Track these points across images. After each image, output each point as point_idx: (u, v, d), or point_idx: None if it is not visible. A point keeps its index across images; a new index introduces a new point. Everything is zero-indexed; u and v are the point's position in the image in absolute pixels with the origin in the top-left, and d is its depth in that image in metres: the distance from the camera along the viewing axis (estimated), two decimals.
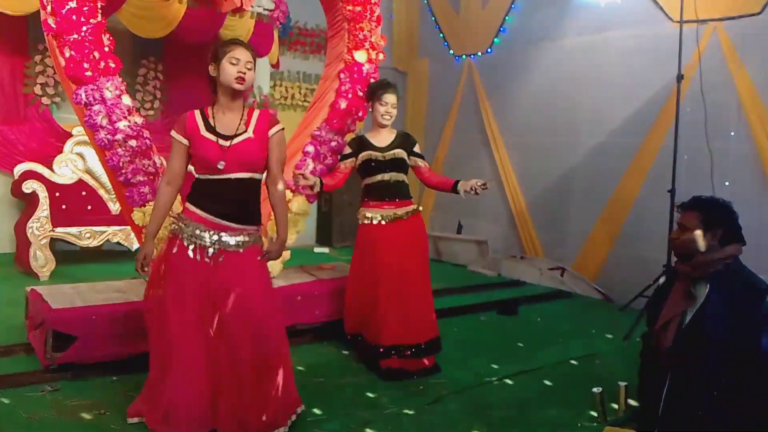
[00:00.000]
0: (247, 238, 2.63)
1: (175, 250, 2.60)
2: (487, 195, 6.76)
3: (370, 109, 3.69)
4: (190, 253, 2.56)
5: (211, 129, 2.60)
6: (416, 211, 3.73)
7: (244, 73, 2.57)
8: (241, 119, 2.64)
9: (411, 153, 3.72)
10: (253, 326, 2.58)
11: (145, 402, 2.66)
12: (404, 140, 3.72)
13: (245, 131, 2.62)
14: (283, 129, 2.70)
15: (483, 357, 3.79)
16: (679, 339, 2.51)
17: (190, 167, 2.71)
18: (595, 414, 2.93)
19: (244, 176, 2.60)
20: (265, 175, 2.72)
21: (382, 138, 3.68)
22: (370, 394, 3.13)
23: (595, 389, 2.93)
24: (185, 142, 2.61)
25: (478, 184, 3.53)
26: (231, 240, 2.60)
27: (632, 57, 5.50)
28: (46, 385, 2.99)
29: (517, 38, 6.62)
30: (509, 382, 3.41)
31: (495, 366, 3.62)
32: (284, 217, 2.76)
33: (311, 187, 3.47)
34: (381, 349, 3.42)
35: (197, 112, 2.64)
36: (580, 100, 5.95)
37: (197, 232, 2.57)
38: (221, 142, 2.57)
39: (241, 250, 2.61)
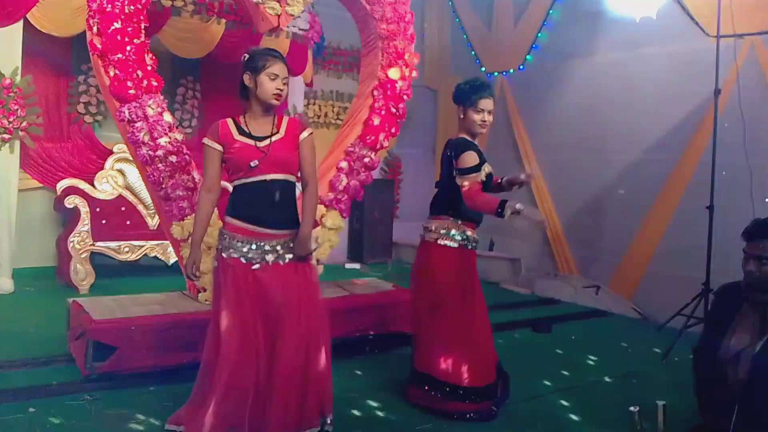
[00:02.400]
0: (285, 248, 2.64)
1: (221, 265, 2.64)
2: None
3: (461, 115, 3.21)
4: (235, 267, 2.60)
5: (244, 133, 2.63)
6: None
7: (282, 89, 2.62)
8: (273, 124, 2.67)
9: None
10: (297, 333, 2.59)
11: (187, 413, 2.67)
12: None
13: (277, 132, 2.65)
14: (312, 133, 2.73)
15: (517, 375, 3.72)
16: (752, 371, 2.39)
17: (225, 183, 2.74)
18: None
19: (280, 177, 2.62)
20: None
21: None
22: (396, 415, 3.10)
23: (632, 408, 2.87)
24: (219, 147, 2.62)
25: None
26: (271, 249, 2.61)
27: (667, 73, 5.45)
28: (86, 395, 3.06)
29: (550, 55, 6.62)
30: (545, 399, 3.36)
31: (530, 384, 3.57)
32: (310, 213, 2.71)
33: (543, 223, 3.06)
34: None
35: (229, 120, 2.67)
36: (613, 116, 5.91)
37: (238, 244, 2.60)
38: (257, 143, 2.60)
39: (280, 262, 2.62)
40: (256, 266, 2.60)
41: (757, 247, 2.40)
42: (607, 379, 3.75)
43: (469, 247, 3.19)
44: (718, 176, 4.50)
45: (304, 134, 2.71)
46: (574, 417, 3.14)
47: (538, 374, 3.76)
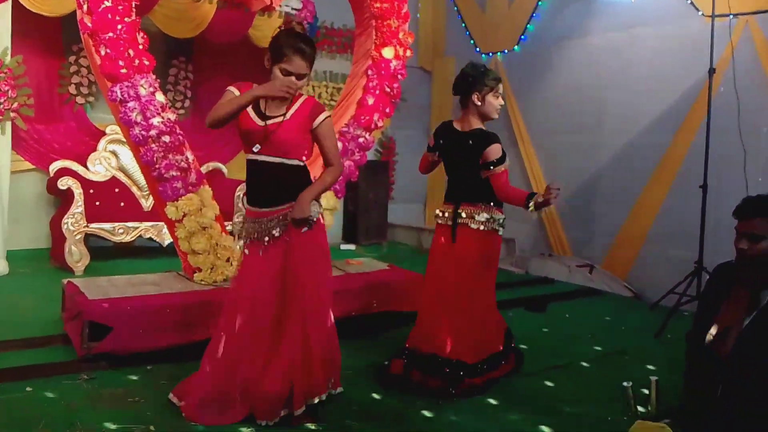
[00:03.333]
0: (278, 223, 2.64)
1: (245, 250, 2.72)
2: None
3: (477, 102, 3.16)
4: (246, 250, 2.69)
5: (255, 107, 2.60)
6: None
7: (296, 88, 2.53)
8: (288, 103, 2.61)
9: None
10: (301, 304, 2.64)
11: (186, 386, 2.75)
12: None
13: (284, 114, 2.60)
14: (329, 116, 2.67)
15: None
16: (738, 346, 2.40)
17: None
18: (625, 408, 2.90)
19: (274, 160, 2.59)
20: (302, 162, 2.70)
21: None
22: (396, 395, 3.13)
23: (625, 383, 2.91)
24: (237, 94, 2.57)
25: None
26: (267, 227, 2.64)
27: (661, 53, 5.44)
28: (82, 374, 3.07)
29: (544, 36, 6.59)
30: (538, 376, 3.40)
31: (524, 361, 3.60)
32: (320, 183, 2.67)
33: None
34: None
35: (255, 86, 2.59)
36: (608, 97, 5.91)
37: (246, 225, 2.69)
38: (264, 122, 2.59)
39: (278, 236, 2.63)
40: (261, 241, 2.64)
41: (751, 225, 2.39)
42: (600, 356, 3.79)
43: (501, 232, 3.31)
44: (711, 156, 4.52)
45: (318, 120, 2.62)
46: (567, 394, 3.17)
47: (531, 352, 3.79)
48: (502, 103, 3.22)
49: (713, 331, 2.47)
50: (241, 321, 2.64)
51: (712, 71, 4.50)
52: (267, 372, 2.61)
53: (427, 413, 2.86)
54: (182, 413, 2.65)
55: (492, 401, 3.04)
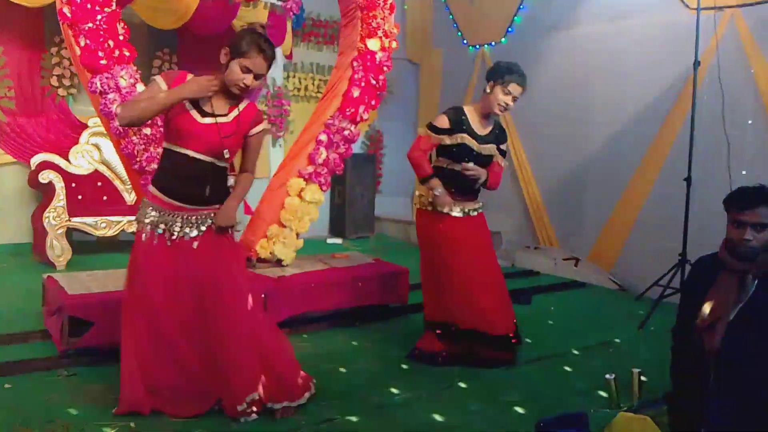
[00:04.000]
0: (204, 221, 2.61)
1: (143, 238, 2.60)
2: (501, 186, 6.80)
3: (488, 90, 3.27)
4: (154, 240, 2.58)
5: (193, 102, 2.54)
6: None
7: (248, 85, 2.53)
8: (230, 103, 2.60)
9: (498, 150, 3.45)
10: (216, 307, 2.60)
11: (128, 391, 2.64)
12: (501, 135, 3.46)
13: (224, 115, 2.58)
14: (264, 130, 2.70)
15: None
16: (727, 335, 2.37)
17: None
18: (608, 400, 2.90)
19: (204, 159, 2.55)
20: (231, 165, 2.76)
21: (482, 125, 3.36)
22: (381, 380, 3.13)
23: (608, 375, 2.90)
24: (164, 88, 2.51)
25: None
26: (188, 223, 2.57)
27: (647, 45, 5.44)
28: (62, 370, 3.03)
29: (531, 27, 6.58)
30: (522, 368, 3.40)
31: None
32: (241, 189, 2.70)
33: (478, 179, 3.33)
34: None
35: (189, 77, 2.56)
36: (594, 89, 5.91)
37: (157, 216, 2.57)
38: (202, 119, 2.53)
39: (197, 233, 2.58)
40: (172, 236, 2.56)
41: (752, 215, 2.32)
42: (584, 348, 3.80)
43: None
44: (696, 148, 4.53)
45: (256, 129, 2.66)
46: (551, 385, 3.18)
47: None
48: (509, 103, 3.27)
49: (706, 309, 2.45)
50: (144, 315, 2.60)
51: (697, 63, 4.51)
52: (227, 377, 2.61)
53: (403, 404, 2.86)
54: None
55: (473, 393, 3.03)
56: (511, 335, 3.40)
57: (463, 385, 3.13)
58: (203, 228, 2.60)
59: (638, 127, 5.51)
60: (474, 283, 3.33)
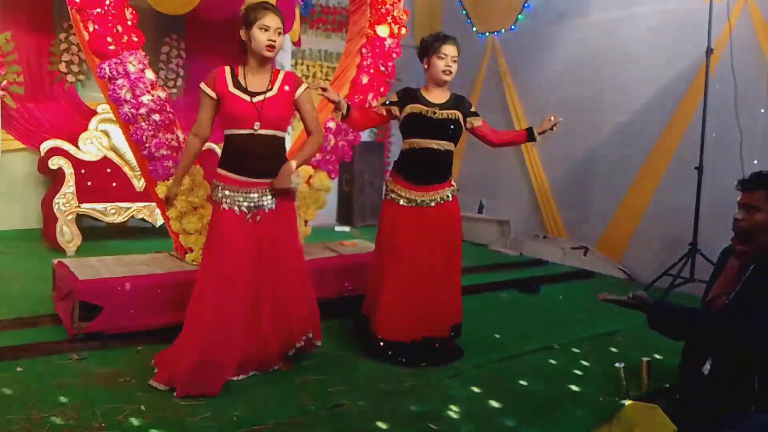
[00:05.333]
0: (271, 194, 2.83)
1: (216, 215, 2.83)
2: (509, 175, 6.78)
3: (426, 67, 3.25)
4: (231, 215, 2.77)
5: (239, 86, 2.75)
6: (450, 197, 3.31)
7: (275, 41, 2.71)
8: (269, 80, 2.80)
9: (468, 114, 3.32)
10: (283, 268, 2.89)
11: (166, 355, 2.83)
12: (460, 101, 3.31)
13: (270, 89, 2.78)
14: (308, 87, 2.88)
15: (504, 333, 3.78)
16: (723, 318, 2.39)
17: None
18: (617, 389, 2.90)
19: (269, 133, 2.78)
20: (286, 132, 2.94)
21: (435, 96, 3.26)
22: (390, 368, 3.14)
23: (617, 364, 2.91)
24: (213, 95, 2.77)
25: (553, 120, 3.40)
26: (264, 199, 2.81)
27: (659, 33, 5.39)
28: (73, 354, 3.05)
29: (542, 14, 6.52)
30: (530, 357, 3.39)
31: (516, 342, 3.61)
32: (305, 152, 2.91)
33: (336, 105, 3.09)
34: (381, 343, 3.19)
35: (227, 69, 2.80)
36: (605, 77, 5.86)
37: (232, 194, 2.77)
38: (252, 99, 2.74)
39: (273, 207, 2.83)
40: (248, 211, 2.78)
41: (749, 197, 2.35)
42: (593, 337, 3.79)
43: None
44: (707, 137, 4.49)
45: (300, 91, 2.86)
46: (560, 375, 3.17)
47: (524, 333, 3.80)
48: (450, 65, 3.20)
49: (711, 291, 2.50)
50: (227, 288, 2.74)
51: (709, 51, 4.46)
52: (256, 336, 2.82)
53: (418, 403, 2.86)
54: (160, 384, 2.69)
55: (478, 379, 3.03)
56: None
57: (469, 371, 3.13)
58: (273, 198, 2.83)
59: (649, 116, 5.46)
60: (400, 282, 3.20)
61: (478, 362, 3.26)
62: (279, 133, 2.82)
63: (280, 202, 2.86)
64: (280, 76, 2.84)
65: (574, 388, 2.99)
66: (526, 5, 6.67)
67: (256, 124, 2.72)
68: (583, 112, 6.05)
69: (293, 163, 2.82)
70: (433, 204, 3.25)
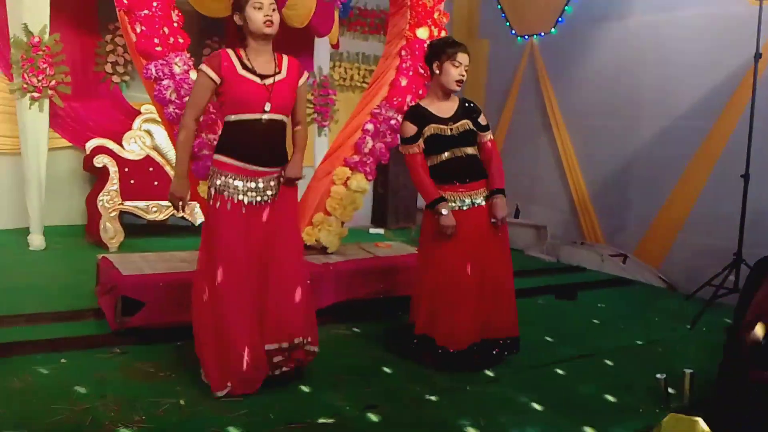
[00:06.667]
0: (276, 182, 2.74)
1: (217, 205, 2.67)
2: (546, 179, 6.70)
3: (437, 71, 3.18)
4: (229, 206, 2.64)
5: (248, 69, 2.65)
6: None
7: (271, 16, 2.61)
8: (274, 62, 2.71)
9: (476, 123, 3.23)
10: (283, 254, 2.75)
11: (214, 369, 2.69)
12: (467, 109, 3.25)
13: (279, 72, 2.70)
14: (308, 77, 2.83)
15: (541, 340, 3.73)
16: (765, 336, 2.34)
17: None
18: (658, 400, 2.84)
19: (276, 117, 2.68)
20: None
21: (444, 107, 3.21)
22: (426, 372, 3.12)
23: (659, 375, 2.85)
24: (217, 79, 2.64)
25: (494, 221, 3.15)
26: (266, 187, 2.70)
27: (703, 36, 5.26)
28: (115, 348, 3.13)
29: (582, 17, 6.42)
30: (568, 365, 3.34)
31: (553, 349, 3.56)
32: (302, 143, 2.89)
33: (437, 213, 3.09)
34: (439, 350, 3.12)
35: (230, 51, 2.68)
36: (646, 81, 5.74)
37: (233, 182, 2.64)
38: (263, 81, 2.64)
39: (277, 197, 2.73)
40: (248, 201, 2.66)
41: None
42: (633, 346, 3.72)
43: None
44: (754, 144, 4.37)
45: (303, 79, 2.82)
46: (599, 385, 3.11)
47: (561, 340, 3.75)
48: (463, 74, 3.15)
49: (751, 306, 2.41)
50: (238, 282, 2.63)
51: (758, 56, 4.34)
52: (263, 330, 2.70)
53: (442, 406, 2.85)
54: (217, 392, 2.66)
55: (521, 392, 2.99)
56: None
57: (507, 377, 3.10)
58: (277, 187, 2.74)
59: (691, 121, 5.33)
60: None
61: (515, 369, 3.23)
62: (285, 119, 2.73)
63: (284, 191, 2.76)
64: (285, 59, 2.74)
65: (612, 398, 2.94)
66: (566, 8, 6.58)
67: (267, 105, 2.62)
68: (622, 116, 5.94)
69: (302, 157, 2.82)
70: (476, 204, 3.18)
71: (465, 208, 3.16)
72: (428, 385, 2.95)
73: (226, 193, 2.65)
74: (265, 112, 2.63)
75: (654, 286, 5.33)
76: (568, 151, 6.44)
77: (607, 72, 6.14)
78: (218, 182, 2.66)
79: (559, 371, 3.26)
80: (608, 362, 3.42)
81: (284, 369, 2.76)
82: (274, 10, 2.63)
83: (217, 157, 2.70)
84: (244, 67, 2.65)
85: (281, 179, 2.75)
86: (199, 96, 2.69)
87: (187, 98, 3.37)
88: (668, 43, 5.55)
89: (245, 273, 2.65)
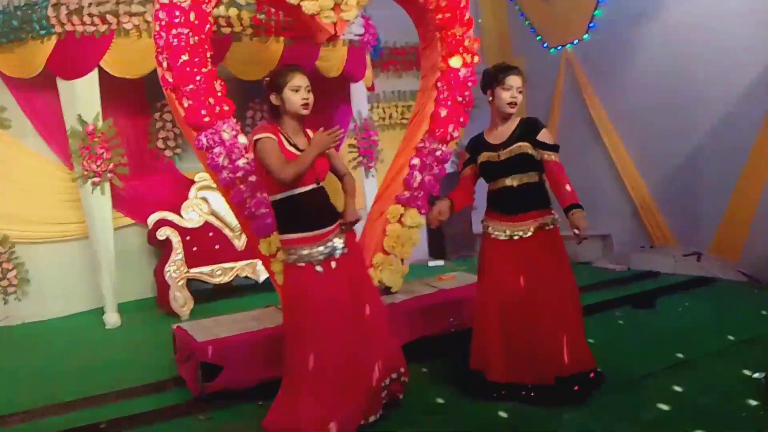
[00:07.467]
0: (340, 236, 2.86)
1: (298, 276, 2.80)
2: (603, 185, 6.53)
3: (490, 99, 3.22)
4: (312, 271, 2.76)
5: (292, 144, 2.80)
6: (550, 225, 3.17)
7: (308, 98, 2.78)
8: (306, 137, 2.89)
9: (535, 143, 3.14)
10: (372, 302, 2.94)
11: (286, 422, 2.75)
12: (526, 129, 3.16)
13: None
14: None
15: (626, 354, 3.58)
16: None
17: None
18: (757, 403, 2.67)
19: (318, 186, 2.84)
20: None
21: (499, 133, 3.22)
22: (499, 408, 3.04)
23: (756, 375, 2.68)
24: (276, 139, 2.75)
25: (577, 233, 3.05)
26: (336, 243, 2.82)
27: (751, 21, 5.07)
28: (200, 415, 3.18)
29: (616, 18, 6.33)
30: (662, 376, 3.20)
31: (641, 362, 3.41)
32: (353, 188, 3.05)
33: (440, 213, 3.32)
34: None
35: (275, 130, 2.80)
36: (695, 75, 5.57)
37: (305, 252, 2.76)
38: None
39: (345, 250, 2.85)
40: (330, 264, 2.79)
41: None
42: (725, 347, 3.53)
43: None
44: None
45: None
46: (696, 391, 2.95)
47: (647, 351, 3.59)
48: (516, 96, 3.14)
49: None
50: (341, 337, 2.75)
51: None
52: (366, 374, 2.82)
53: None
54: None
55: (607, 407, 2.87)
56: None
57: (595, 399, 2.98)
58: (343, 238, 2.88)
59: (748, 108, 5.13)
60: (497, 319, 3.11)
61: (604, 388, 3.08)
62: (323, 184, 2.88)
63: (349, 241, 2.89)
64: (309, 132, 2.90)
65: (713, 405, 2.78)
66: (596, 12, 6.50)
67: (317, 181, 2.80)
68: (675, 113, 5.77)
69: (353, 200, 2.99)
70: (529, 234, 3.13)
71: (502, 238, 3.18)
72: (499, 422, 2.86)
73: (299, 262, 2.77)
74: (317, 184, 2.81)
75: (735, 282, 5.08)
76: (621, 155, 6.28)
77: (652, 70, 5.99)
78: (294, 257, 2.78)
79: (651, 384, 3.11)
80: (702, 367, 3.26)
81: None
82: (309, 91, 2.79)
83: (285, 237, 2.82)
84: (291, 144, 2.80)
85: (342, 228, 2.88)
86: (273, 153, 2.70)
87: (238, 161, 3.49)
88: (714, 32, 5.36)
89: (341, 323, 2.77)
